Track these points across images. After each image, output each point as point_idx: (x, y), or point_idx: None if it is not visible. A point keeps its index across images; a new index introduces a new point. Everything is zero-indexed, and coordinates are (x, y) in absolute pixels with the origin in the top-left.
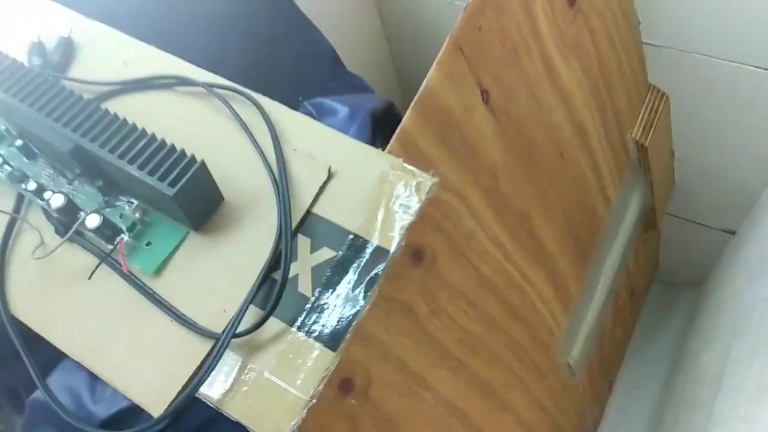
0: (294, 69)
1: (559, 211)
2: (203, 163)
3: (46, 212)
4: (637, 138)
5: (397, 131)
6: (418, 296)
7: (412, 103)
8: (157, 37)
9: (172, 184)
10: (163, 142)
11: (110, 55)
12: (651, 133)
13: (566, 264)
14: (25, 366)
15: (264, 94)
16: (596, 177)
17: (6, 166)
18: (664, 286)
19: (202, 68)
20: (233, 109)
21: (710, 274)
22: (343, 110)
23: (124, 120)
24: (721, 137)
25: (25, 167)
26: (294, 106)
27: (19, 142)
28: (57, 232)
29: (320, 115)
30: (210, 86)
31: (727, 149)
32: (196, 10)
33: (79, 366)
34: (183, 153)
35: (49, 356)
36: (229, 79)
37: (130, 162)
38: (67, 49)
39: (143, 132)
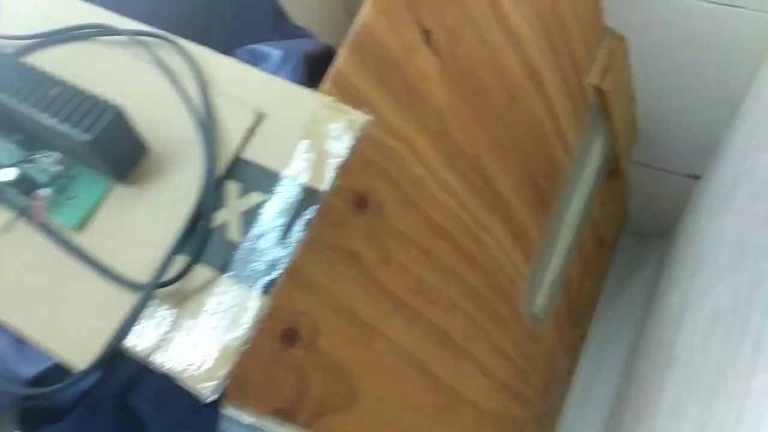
0: (234, 22)
1: (515, 157)
2: (121, 109)
3: None
4: (595, 82)
5: (331, 71)
6: (365, 244)
7: (346, 42)
8: None
9: (87, 131)
10: (78, 90)
11: (27, 9)
12: (609, 77)
13: (525, 211)
14: None
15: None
16: (553, 123)
17: None
18: (634, 236)
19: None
20: (156, 55)
21: (679, 221)
22: (276, 54)
23: (39, 70)
24: (682, 79)
25: None
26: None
27: None
28: None
29: (254, 61)
30: (134, 34)
31: (689, 91)
32: None
33: (1, 328)
34: (99, 99)
35: None
36: None
37: (43, 110)
38: None
39: (59, 81)
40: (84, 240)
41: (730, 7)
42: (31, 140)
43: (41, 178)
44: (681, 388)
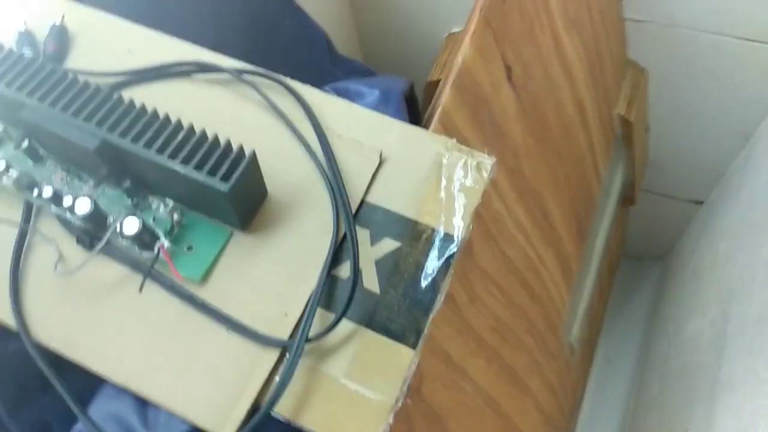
0: (290, 56)
1: (566, 191)
2: (254, 155)
3: (64, 221)
4: (623, 114)
5: (439, 111)
6: (459, 284)
7: (450, 81)
8: (148, 19)
9: (224, 179)
10: (204, 134)
11: (110, 42)
12: (634, 109)
13: (570, 243)
14: (54, 398)
15: None
16: (591, 154)
17: (11, 172)
18: (631, 260)
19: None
20: (267, 96)
21: (677, 244)
22: (373, 93)
23: (154, 111)
24: (695, 110)
25: (33, 172)
26: None
27: (25, 144)
28: (80, 242)
29: (350, 99)
30: (237, 72)
31: (700, 121)
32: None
33: (123, 391)
34: (229, 144)
35: (82, 385)
36: None
37: (172, 157)
38: (62, 37)
39: (178, 123)
40: (208, 294)
41: (756, 42)
42: (139, 186)
43: (159, 227)
44: (745, 416)
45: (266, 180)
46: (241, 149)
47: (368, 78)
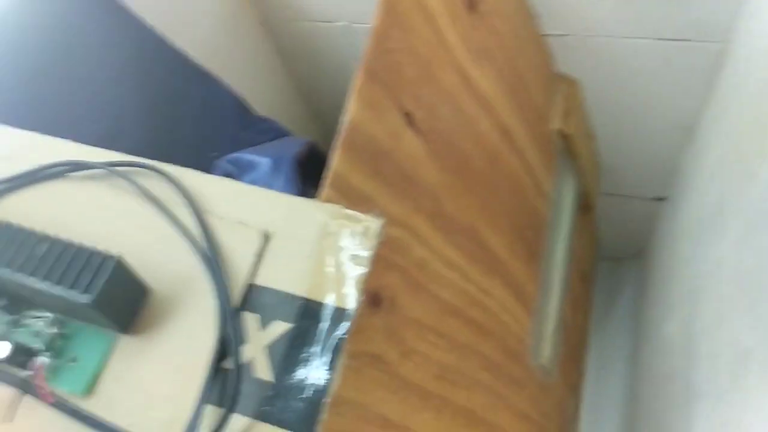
0: (200, 124)
1: (503, 217)
2: (121, 259)
3: None
4: (559, 127)
5: (328, 175)
6: (386, 343)
7: (338, 142)
8: (39, 117)
9: (87, 291)
10: (68, 244)
11: None
12: (570, 120)
13: (520, 267)
14: None
15: (172, 157)
16: (529, 175)
17: None
18: (608, 262)
19: (96, 146)
20: (140, 186)
21: (649, 243)
22: (264, 162)
23: (16, 225)
24: (634, 110)
25: None
26: (207, 166)
27: None
28: None
29: (240, 171)
30: (109, 165)
31: (642, 120)
32: (80, 80)
33: None
34: (94, 251)
35: None
36: (130, 151)
37: (31, 273)
38: None
39: (42, 236)
40: (94, 405)
41: (675, 41)
42: (16, 303)
43: (36, 343)
44: (714, 427)
45: (148, 275)
46: (106, 255)
47: (261, 146)
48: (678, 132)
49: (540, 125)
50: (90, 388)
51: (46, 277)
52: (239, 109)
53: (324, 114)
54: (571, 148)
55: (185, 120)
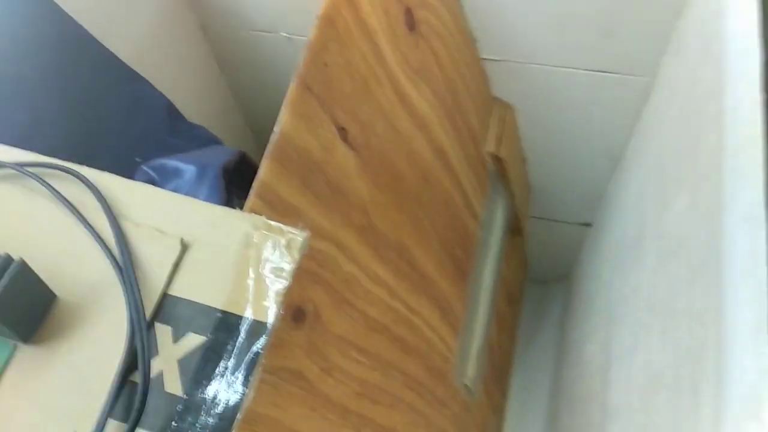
0: (125, 128)
1: (433, 236)
2: (22, 263)
3: None
4: (492, 150)
5: (255, 185)
6: (307, 358)
7: (267, 152)
8: None
9: None
10: None
11: None
12: (504, 145)
13: (448, 286)
14: None
15: (94, 159)
16: (461, 195)
17: None
18: (536, 284)
19: (12, 145)
20: (53, 188)
21: (573, 267)
22: (189, 170)
23: None
24: (565, 137)
25: None
26: (132, 170)
27: None
28: None
29: (163, 178)
30: (20, 165)
31: (572, 147)
32: None
33: None
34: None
35: None
36: (47, 152)
37: None
38: None
39: None
40: None
41: (605, 73)
42: None
43: None
44: None
45: (54, 282)
46: (7, 258)
47: (188, 153)
48: (605, 160)
49: (474, 147)
50: None
51: None
52: (169, 113)
53: (260, 125)
54: (503, 172)
55: (110, 122)
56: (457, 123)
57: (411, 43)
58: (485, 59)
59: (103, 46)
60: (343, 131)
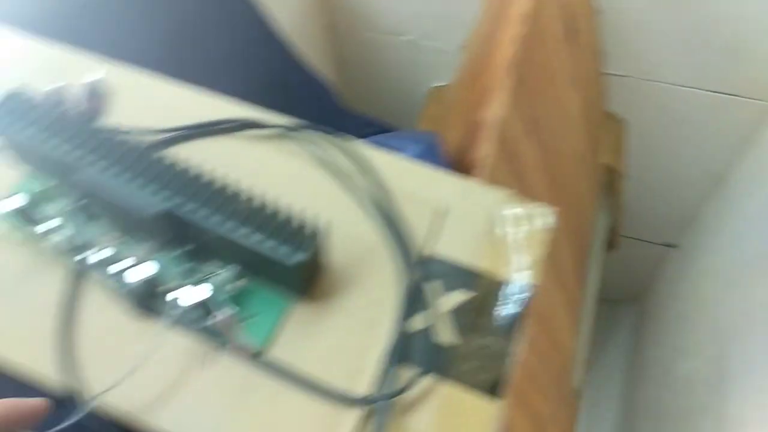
0: (299, 113)
1: (573, 237)
2: (327, 229)
3: (117, 286)
4: (610, 163)
5: (489, 164)
6: None
7: (491, 136)
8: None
9: (297, 252)
10: (277, 205)
11: (147, 100)
12: (620, 158)
13: (575, 288)
14: None
15: None
16: (590, 201)
17: (61, 231)
18: (605, 303)
19: None
20: (316, 151)
21: (653, 287)
22: (413, 149)
23: (214, 178)
24: (669, 156)
25: (85, 232)
26: None
27: (78, 203)
28: (134, 309)
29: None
30: (286, 129)
31: (674, 166)
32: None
33: None
34: (299, 216)
35: None
36: None
37: (238, 229)
38: (96, 95)
39: (249, 193)
40: (273, 359)
41: (724, 95)
42: (199, 250)
43: (221, 295)
44: None
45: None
46: (313, 222)
47: (403, 132)
48: (706, 182)
49: (593, 157)
50: (267, 343)
51: (252, 234)
52: (335, 101)
53: None
54: (614, 185)
55: (285, 106)
56: (590, 132)
57: (572, 51)
58: (608, 74)
59: (279, 32)
60: (534, 122)
